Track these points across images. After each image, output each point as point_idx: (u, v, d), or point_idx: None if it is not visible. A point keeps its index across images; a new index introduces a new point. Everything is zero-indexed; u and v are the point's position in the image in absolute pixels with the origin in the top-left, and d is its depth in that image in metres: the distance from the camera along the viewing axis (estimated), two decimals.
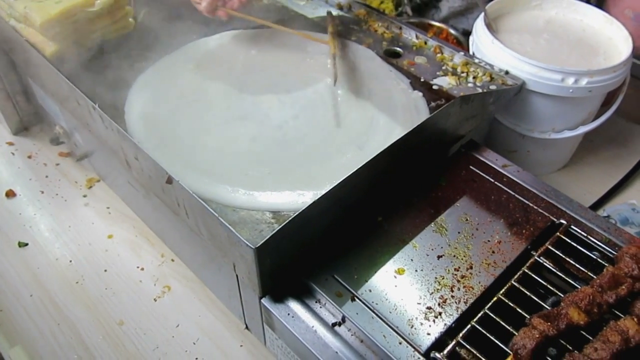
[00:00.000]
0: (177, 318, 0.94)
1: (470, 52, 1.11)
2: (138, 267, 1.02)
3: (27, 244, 1.07)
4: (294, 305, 0.73)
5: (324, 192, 0.71)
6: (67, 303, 0.97)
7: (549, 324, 0.64)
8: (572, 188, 1.16)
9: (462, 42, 1.27)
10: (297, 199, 0.80)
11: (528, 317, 0.67)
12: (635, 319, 0.65)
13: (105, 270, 1.02)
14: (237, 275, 0.78)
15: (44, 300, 0.98)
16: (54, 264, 1.03)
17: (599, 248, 0.78)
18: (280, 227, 0.67)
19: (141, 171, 0.83)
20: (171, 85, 1.00)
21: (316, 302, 0.73)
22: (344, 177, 0.73)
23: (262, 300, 0.73)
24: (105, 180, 1.16)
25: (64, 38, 0.95)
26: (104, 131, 0.87)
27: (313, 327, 0.71)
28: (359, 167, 0.74)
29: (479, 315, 0.69)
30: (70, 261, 1.03)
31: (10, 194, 1.16)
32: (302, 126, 0.93)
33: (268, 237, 0.66)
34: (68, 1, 0.94)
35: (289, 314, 0.72)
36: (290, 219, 0.68)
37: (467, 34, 1.12)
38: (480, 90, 1.00)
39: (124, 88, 0.99)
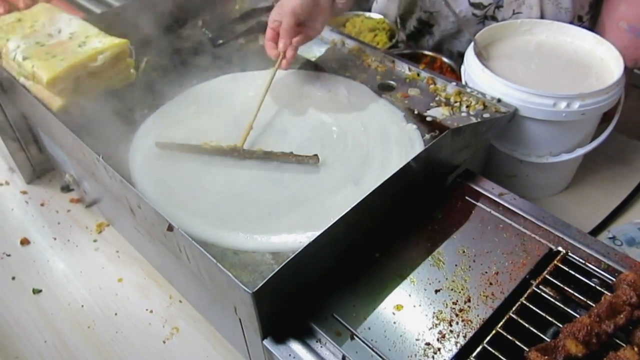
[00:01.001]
0: (185, 359, 0.96)
1: (463, 82, 1.13)
2: (147, 310, 1.04)
3: (41, 290, 1.10)
4: (295, 346, 0.74)
5: (320, 232, 0.73)
6: (80, 347, 1.00)
7: (547, 357, 0.65)
8: (575, 210, 1.16)
9: (455, 70, 1.29)
10: (296, 239, 0.82)
11: (527, 350, 0.67)
12: (636, 349, 0.65)
13: (116, 314, 1.04)
14: (239, 318, 0.79)
15: (57, 345, 1.00)
16: (66, 309, 1.06)
17: (598, 275, 0.78)
18: (277, 269, 0.69)
19: (144, 218, 0.86)
20: (173, 131, 1.04)
21: (317, 341, 0.74)
22: (339, 216, 0.75)
23: (264, 342, 0.75)
24: (114, 225, 1.19)
25: (70, 93, 1.00)
26: (109, 181, 0.90)
27: None
28: (353, 206, 0.76)
29: (478, 350, 0.70)
30: (82, 306, 1.06)
31: (24, 241, 1.19)
32: (299, 165, 0.96)
33: (265, 281, 0.68)
34: (72, 58, 0.98)
35: (290, 355, 0.73)
36: (286, 261, 0.70)
37: (462, 55, 1.14)
38: (474, 120, 1.02)
39: (128, 136, 1.03)
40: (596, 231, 1.11)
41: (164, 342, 0.99)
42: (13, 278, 1.12)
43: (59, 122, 0.95)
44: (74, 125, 0.95)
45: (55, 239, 1.19)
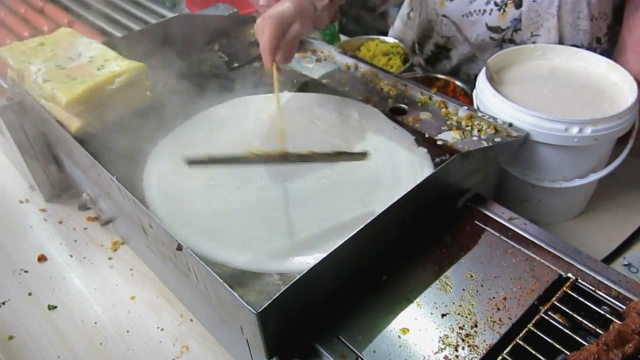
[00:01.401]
0: None
1: (475, 106, 1.14)
2: (158, 328, 1.05)
3: (56, 307, 1.12)
4: None
5: (327, 253, 0.74)
6: None
7: None
8: (589, 236, 1.15)
9: (468, 93, 1.30)
10: (304, 260, 0.83)
11: None
12: None
13: (128, 331, 1.05)
14: (246, 338, 0.80)
15: None
16: (80, 325, 1.07)
17: (608, 302, 0.77)
18: (282, 290, 0.70)
19: (155, 237, 0.87)
20: (186, 152, 1.05)
21: None
22: (346, 238, 0.75)
23: None
24: (129, 244, 1.21)
25: (88, 114, 1.02)
26: (122, 200, 0.92)
27: None
28: (360, 228, 0.76)
29: None
30: (95, 323, 1.08)
31: (42, 258, 1.22)
32: (309, 187, 0.97)
33: (270, 301, 0.68)
34: (90, 81, 1.01)
35: None
36: (292, 282, 0.70)
37: None
38: (485, 144, 1.02)
39: (143, 156, 1.05)
40: (611, 258, 1.09)
41: None
42: (29, 294, 1.14)
43: (76, 143, 0.97)
44: (90, 146, 0.98)
45: (71, 256, 1.22)
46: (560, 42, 1.29)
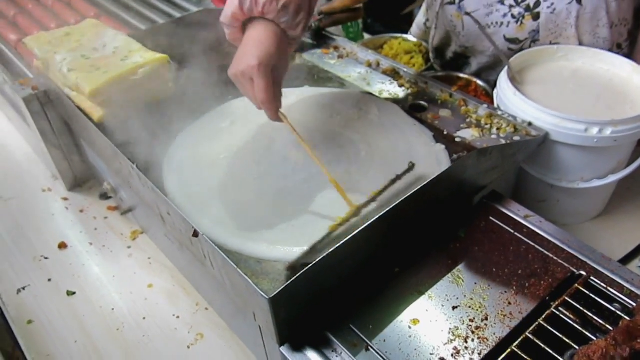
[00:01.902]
0: None
1: (495, 105, 1.14)
2: (174, 315, 1.07)
3: (75, 293, 1.14)
4: (311, 355, 0.75)
5: (340, 243, 0.75)
6: (108, 349, 1.03)
7: None
8: (606, 238, 1.14)
9: (490, 94, 1.30)
10: (318, 251, 0.84)
11: None
12: None
13: (144, 318, 1.07)
14: (259, 325, 0.81)
15: (87, 346, 1.04)
16: (97, 311, 1.10)
17: (620, 300, 0.77)
18: (295, 277, 0.71)
19: (173, 225, 0.89)
20: (206, 143, 1.08)
21: (332, 351, 0.75)
22: (359, 229, 0.76)
23: (281, 349, 0.76)
24: (147, 233, 1.23)
25: (111, 104, 1.05)
26: (142, 188, 0.94)
27: None
28: (373, 219, 0.77)
29: None
30: (113, 309, 1.10)
31: (62, 245, 1.24)
32: (326, 180, 0.97)
33: (282, 287, 0.69)
34: (114, 71, 1.04)
35: None
36: (304, 270, 0.71)
37: None
38: (503, 142, 1.02)
39: (164, 147, 1.07)
40: (627, 259, 1.08)
41: (189, 347, 1.01)
42: (49, 280, 1.17)
43: (99, 131, 1.00)
44: (112, 135, 1.00)
45: (91, 244, 1.24)
46: None
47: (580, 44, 1.27)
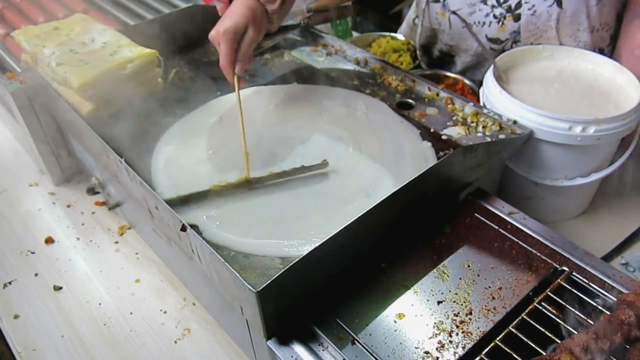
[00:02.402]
0: (196, 359, 0.99)
1: (481, 103, 1.15)
2: (161, 311, 1.07)
3: (61, 288, 1.14)
4: (298, 348, 0.76)
5: (327, 237, 0.75)
6: (95, 344, 1.03)
7: None
8: (589, 235, 1.16)
9: (477, 92, 1.31)
10: (304, 245, 0.85)
11: None
12: None
13: (131, 313, 1.07)
14: (246, 319, 0.82)
15: (73, 340, 1.04)
16: (84, 306, 1.10)
17: (601, 295, 0.79)
18: (282, 272, 0.71)
19: (161, 219, 0.89)
20: (195, 139, 1.08)
21: (319, 345, 0.76)
22: (345, 225, 0.77)
23: (268, 343, 0.77)
24: (135, 228, 1.23)
25: (99, 98, 1.05)
26: (130, 183, 0.94)
27: None
28: (360, 215, 0.78)
29: None
30: (100, 304, 1.10)
31: (49, 240, 1.24)
32: (314, 176, 0.99)
33: (269, 281, 0.70)
34: (103, 66, 1.04)
35: (292, 356, 0.75)
36: (290, 264, 0.72)
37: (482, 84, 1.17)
38: (489, 140, 1.04)
39: (152, 142, 1.07)
40: (609, 257, 1.10)
41: (176, 342, 1.01)
42: (36, 274, 1.17)
43: (87, 125, 0.99)
44: (100, 130, 1.00)
45: (78, 239, 1.24)
46: None
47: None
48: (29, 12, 1.49)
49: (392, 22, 1.82)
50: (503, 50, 1.30)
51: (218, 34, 1.00)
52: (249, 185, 0.97)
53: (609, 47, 1.33)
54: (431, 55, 1.49)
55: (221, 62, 1.02)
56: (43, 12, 1.47)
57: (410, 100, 1.17)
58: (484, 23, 1.29)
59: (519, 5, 1.25)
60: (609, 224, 1.19)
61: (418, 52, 1.51)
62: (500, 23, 1.28)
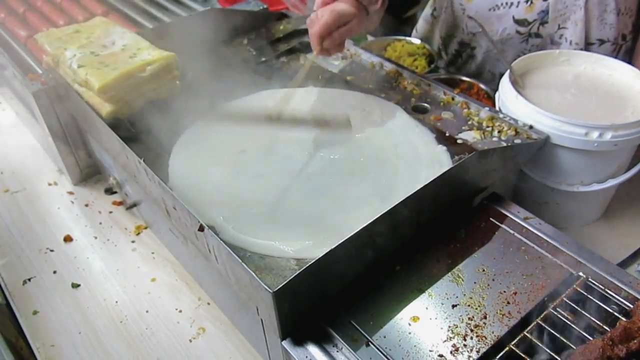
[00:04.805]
0: (209, 358, 1.00)
1: (497, 107, 1.15)
2: (176, 309, 1.08)
3: (79, 285, 1.16)
4: (312, 349, 0.76)
5: (343, 240, 0.76)
6: (111, 341, 1.04)
7: None
8: (604, 241, 1.15)
9: (492, 97, 1.31)
10: (320, 247, 0.85)
11: None
12: None
13: (147, 311, 1.09)
14: (261, 319, 0.83)
15: (90, 337, 1.05)
16: (101, 304, 1.11)
17: (617, 302, 0.78)
18: (298, 273, 0.72)
19: (178, 219, 0.91)
20: (212, 140, 1.09)
21: (333, 346, 0.77)
22: (360, 227, 0.78)
23: (283, 343, 0.78)
24: (151, 228, 1.25)
25: (119, 100, 1.06)
26: (148, 183, 0.95)
27: None
28: (375, 217, 0.79)
29: None
30: (116, 302, 1.11)
31: (68, 238, 1.26)
32: (330, 179, 0.99)
33: (285, 282, 0.71)
34: (123, 68, 1.05)
35: (307, 357, 0.76)
36: (306, 266, 0.73)
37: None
38: (504, 144, 1.04)
39: (170, 143, 1.08)
40: (625, 264, 1.09)
41: (190, 340, 1.03)
42: (54, 272, 1.18)
43: (107, 126, 1.01)
44: (119, 131, 1.02)
45: (96, 238, 1.26)
46: (587, 36, 1.29)
47: (588, 29, 1.27)
48: (50, 15, 1.51)
49: (407, 26, 1.82)
50: (529, 34, 1.30)
51: (324, 10, 1.05)
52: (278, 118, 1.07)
53: (631, 34, 1.31)
54: (450, 49, 1.49)
55: (316, 29, 1.06)
56: (64, 15, 1.50)
57: (426, 105, 1.17)
58: (511, 4, 1.29)
59: None
60: (626, 231, 1.19)
61: (437, 47, 1.50)
62: (529, 2, 1.27)
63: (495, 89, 1.19)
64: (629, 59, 1.36)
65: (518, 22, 1.30)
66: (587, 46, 1.32)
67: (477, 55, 1.44)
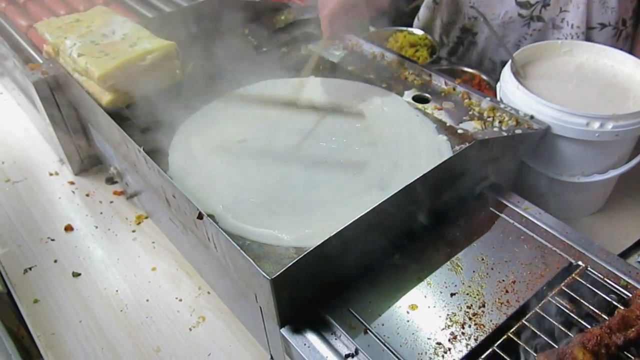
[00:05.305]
0: (209, 347, 1.00)
1: (498, 98, 1.15)
2: (177, 298, 1.09)
3: (80, 274, 1.16)
4: (311, 336, 0.77)
5: (342, 227, 0.76)
6: (111, 329, 1.05)
7: None
8: (605, 232, 1.15)
9: (493, 88, 1.31)
10: (319, 236, 0.85)
11: (535, 355, 0.68)
12: None
13: (147, 300, 1.09)
14: (260, 307, 0.83)
15: (91, 326, 1.06)
16: (102, 293, 1.12)
17: (616, 291, 0.78)
18: (296, 260, 0.72)
19: (178, 208, 0.91)
20: (213, 129, 1.09)
21: (332, 333, 0.77)
22: (358, 216, 0.78)
23: (282, 330, 0.78)
24: (152, 218, 1.25)
25: (118, 89, 1.06)
26: (148, 172, 0.96)
27: (327, 357, 0.75)
28: (374, 206, 0.79)
29: (487, 352, 0.71)
30: (117, 291, 1.12)
31: (68, 228, 1.26)
32: (330, 168, 0.99)
33: (283, 269, 0.71)
34: (123, 57, 1.05)
35: (305, 344, 0.76)
36: (304, 253, 0.73)
37: (505, 64, 1.16)
38: (505, 134, 1.03)
39: (170, 132, 1.08)
40: (625, 254, 1.09)
41: (190, 329, 1.03)
42: (55, 261, 1.19)
43: (107, 115, 1.01)
44: (120, 120, 1.02)
45: (96, 227, 1.26)
46: (588, 19, 1.28)
47: (589, 13, 1.26)
48: (50, 5, 1.51)
49: (409, 17, 1.81)
50: (531, 18, 1.29)
51: None
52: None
53: (631, 20, 1.30)
54: (452, 37, 1.48)
55: (326, 12, 1.06)
56: (64, 4, 1.50)
57: (427, 95, 1.17)
58: None
59: None
60: (626, 222, 1.18)
61: (437, 36, 1.49)
62: None
63: (497, 79, 1.19)
64: (628, 45, 1.36)
65: (520, 4, 1.29)
66: (588, 30, 1.31)
67: (478, 42, 1.43)
